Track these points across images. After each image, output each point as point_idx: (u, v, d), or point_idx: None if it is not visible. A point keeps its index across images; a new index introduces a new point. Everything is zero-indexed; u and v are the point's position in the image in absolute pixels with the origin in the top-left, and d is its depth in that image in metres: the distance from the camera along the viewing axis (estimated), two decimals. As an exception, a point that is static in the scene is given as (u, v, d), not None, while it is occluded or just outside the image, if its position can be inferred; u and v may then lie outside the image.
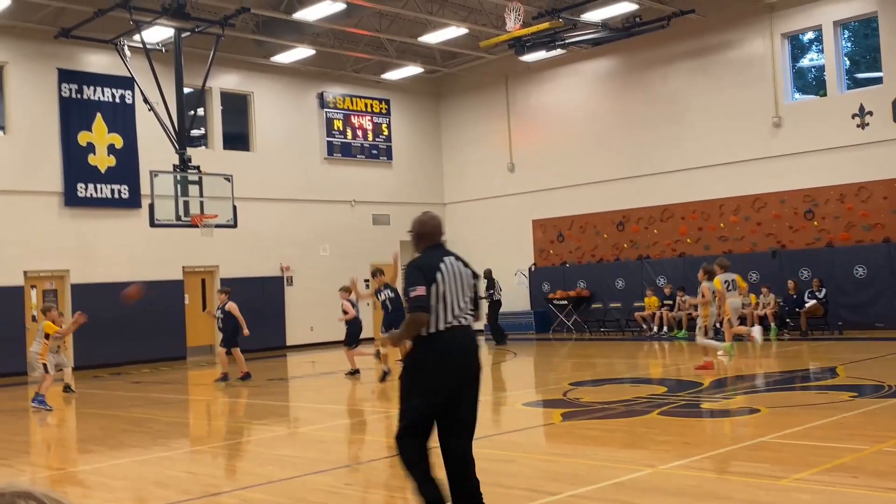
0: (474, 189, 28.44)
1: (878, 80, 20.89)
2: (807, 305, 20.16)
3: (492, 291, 22.63)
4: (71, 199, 21.37)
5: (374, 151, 27.59)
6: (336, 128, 26.68)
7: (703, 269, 15.23)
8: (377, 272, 16.13)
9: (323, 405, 13.72)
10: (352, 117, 27.08)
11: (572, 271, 25.76)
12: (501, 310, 23.73)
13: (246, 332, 16.47)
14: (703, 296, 14.94)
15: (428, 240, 5.89)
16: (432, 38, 23.84)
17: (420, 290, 5.41)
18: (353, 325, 16.39)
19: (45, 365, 13.98)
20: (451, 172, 29.31)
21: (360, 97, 27.30)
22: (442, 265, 5.58)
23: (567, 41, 22.62)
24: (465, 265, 5.77)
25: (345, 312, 16.41)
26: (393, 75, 27.02)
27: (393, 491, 7.11)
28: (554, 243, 26.63)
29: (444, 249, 5.81)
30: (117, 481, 8.26)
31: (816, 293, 20.23)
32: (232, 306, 16.48)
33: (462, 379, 5.54)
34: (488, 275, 22.72)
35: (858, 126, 20.74)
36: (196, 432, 11.71)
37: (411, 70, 26.70)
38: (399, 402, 5.66)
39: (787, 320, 20.49)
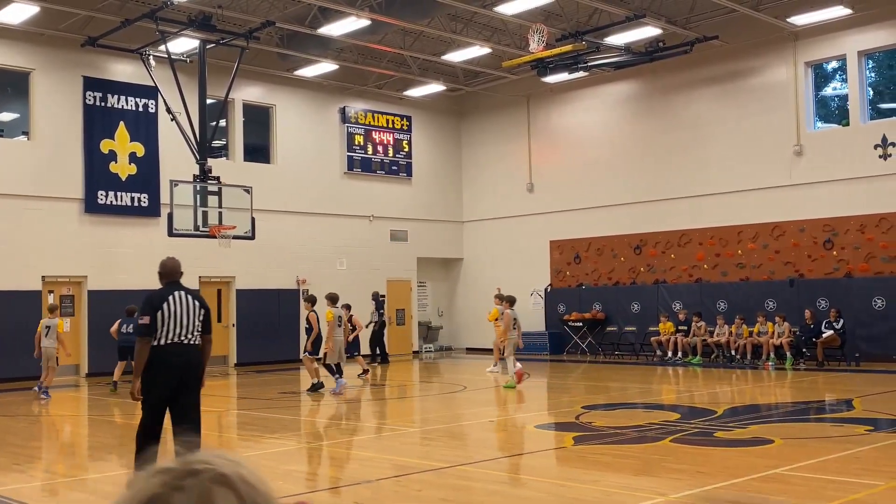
0: (493, 208, 28.45)
1: (902, 112, 20.78)
2: (824, 336, 20.00)
3: (381, 312, 22.71)
4: (91, 205, 21.52)
5: (395, 167, 27.66)
6: (357, 143, 26.78)
7: (506, 299, 17.38)
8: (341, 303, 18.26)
9: (335, 420, 13.71)
10: (373, 133, 27.18)
11: (588, 293, 25.68)
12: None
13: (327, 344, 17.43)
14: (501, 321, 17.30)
15: (167, 277, 7.78)
16: (455, 56, 23.93)
17: (144, 319, 7.43)
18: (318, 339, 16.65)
19: (57, 358, 16.01)
20: (470, 191, 29.34)
21: (382, 113, 27.41)
22: (170, 297, 7.49)
23: (590, 64, 22.64)
24: (196, 298, 7.70)
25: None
26: (415, 92, 27.13)
27: (402, 511, 7.08)
28: (570, 265, 26.57)
29: (179, 285, 7.73)
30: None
31: (834, 323, 20.07)
32: (312, 316, 16.94)
33: (180, 381, 7.43)
34: (376, 297, 22.74)
35: (881, 157, 20.62)
36: (208, 444, 11.71)
37: (433, 88, 26.79)
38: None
39: (804, 350, 20.33)
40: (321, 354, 16.21)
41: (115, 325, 17.88)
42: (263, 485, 1.11)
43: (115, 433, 11.91)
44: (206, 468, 1.08)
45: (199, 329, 7.61)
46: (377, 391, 18.36)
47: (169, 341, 7.41)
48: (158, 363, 7.38)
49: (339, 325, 16.25)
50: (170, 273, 7.80)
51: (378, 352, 23.59)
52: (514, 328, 16.93)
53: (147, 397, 7.45)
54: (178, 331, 7.41)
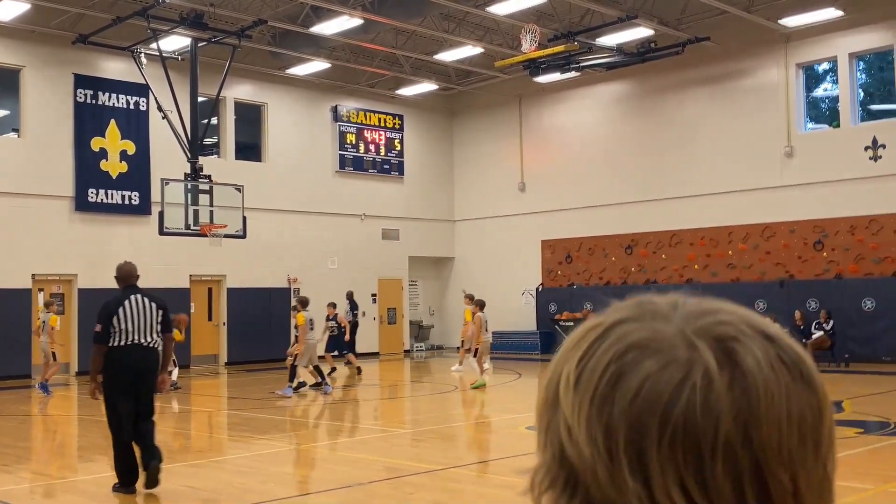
0: (484, 207, 28.47)
1: (893, 113, 20.87)
2: (814, 337, 20.07)
3: (355, 312, 22.19)
4: (82, 204, 21.45)
5: (386, 166, 27.64)
6: (349, 141, 26.75)
7: (476, 302, 17.75)
8: (331, 303, 20.02)
9: (326, 421, 13.69)
10: (365, 131, 27.15)
11: (579, 293, 25.72)
12: (502, 329, 23.70)
13: (347, 337, 20.02)
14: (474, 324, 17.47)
15: (123, 282, 8.10)
16: (448, 56, 23.92)
17: (97, 328, 7.74)
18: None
19: (54, 353, 15.92)
20: (461, 190, 29.34)
21: (374, 112, 27.39)
22: (126, 302, 7.78)
23: (582, 64, 22.67)
24: (153, 300, 8.02)
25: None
26: (407, 91, 27.11)
27: (393, 514, 7.08)
28: (562, 264, 26.60)
29: (135, 288, 8.05)
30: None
31: (824, 325, 20.15)
32: (341, 317, 19.56)
33: (136, 378, 7.75)
34: (350, 297, 22.32)
35: (871, 158, 20.70)
36: (197, 445, 11.69)
37: (426, 87, 26.78)
38: None
39: (794, 351, 20.37)
40: (293, 356, 16.14)
41: None
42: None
43: (105, 433, 11.86)
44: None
45: (159, 330, 7.96)
46: (370, 391, 18.35)
47: (127, 343, 7.73)
48: (118, 365, 7.72)
49: (311, 329, 16.15)
50: (125, 277, 8.10)
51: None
52: (486, 330, 17.48)
53: (109, 398, 7.78)
54: (135, 334, 7.76)
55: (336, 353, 19.78)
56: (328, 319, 19.78)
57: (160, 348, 8.00)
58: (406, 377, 21.74)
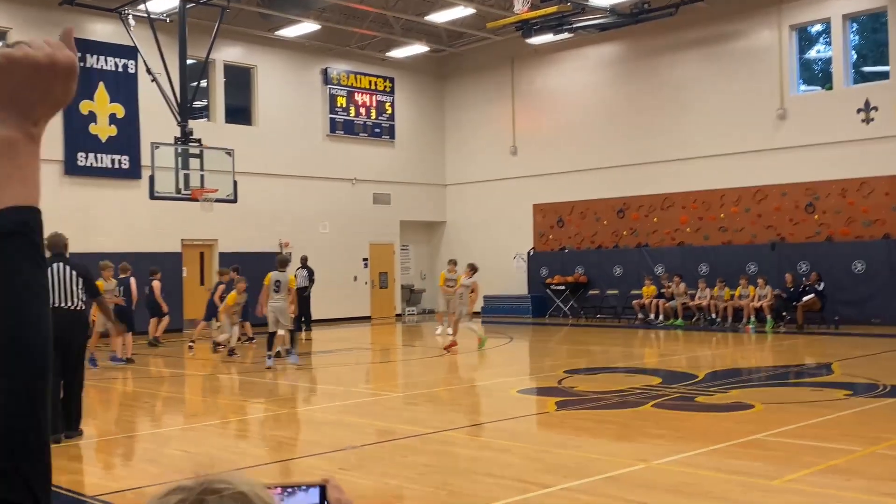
0: (476, 171, 28.38)
1: (885, 75, 20.81)
2: (804, 299, 20.16)
3: (312, 279, 21.68)
4: (71, 168, 21.30)
5: (377, 130, 27.48)
6: (339, 105, 26.56)
7: (471, 266, 17.53)
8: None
9: (319, 385, 13.75)
10: (355, 94, 26.95)
11: (571, 257, 25.75)
12: (494, 293, 23.76)
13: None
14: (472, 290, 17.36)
15: (49, 250, 8.62)
16: (439, 17, 23.69)
17: None
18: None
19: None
20: (453, 153, 29.22)
21: (365, 74, 27.17)
22: (48, 269, 8.49)
23: (574, 25, 22.49)
24: (74, 267, 8.99)
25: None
26: (398, 53, 26.88)
27: (387, 477, 7.12)
28: (553, 228, 26.60)
29: (61, 257, 8.98)
30: (111, 457, 8.28)
31: (815, 287, 20.23)
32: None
33: (61, 340, 8.16)
34: (304, 262, 21.69)
35: (863, 121, 20.66)
36: (191, 409, 11.73)
37: (417, 49, 26.55)
38: None
39: (784, 313, 20.51)
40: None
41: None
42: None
43: (97, 397, 11.89)
44: (226, 486, 1.07)
45: (82, 296, 8.98)
46: (362, 355, 18.40)
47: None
48: None
49: (277, 291, 15.16)
50: (51, 247, 8.85)
51: (304, 319, 21.46)
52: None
53: None
54: (55, 299, 8.63)
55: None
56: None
57: (82, 310, 9.10)
58: (398, 341, 21.80)
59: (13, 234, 1.11)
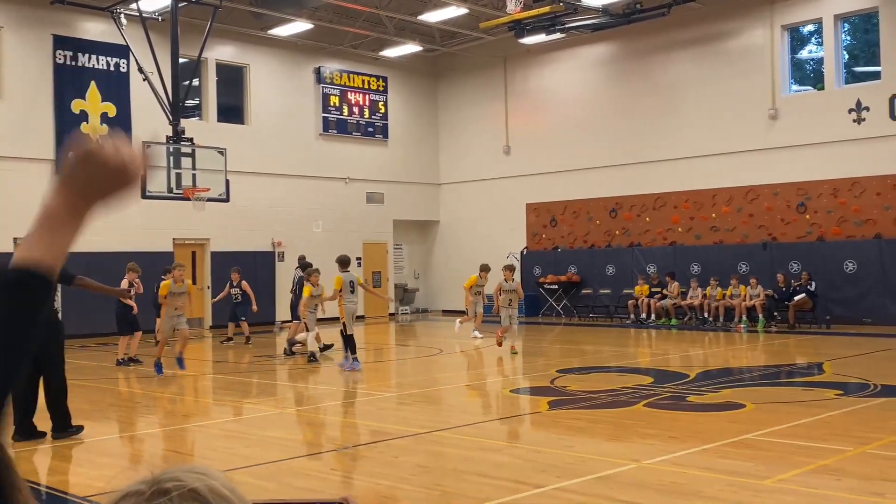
0: (469, 170, 28.39)
1: (877, 76, 20.87)
2: (796, 298, 20.22)
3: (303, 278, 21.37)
4: (63, 166, 21.22)
5: (370, 129, 27.47)
6: (332, 104, 26.54)
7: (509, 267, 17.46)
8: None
9: (311, 385, 13.73)
10: (348, 93, 26.94)
11: (564, 256, 25.78)
12: (487, 292, 23.70)
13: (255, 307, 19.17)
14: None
15: None
16: (432, 16, 23.68)
17: None
18: None
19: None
20: (446, 153, 29.23)
21: (358, 73, 27.15)
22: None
23: (567, 25, 22.50)
24: None
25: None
26: (391, 53, 26.86)
27: (377, 478, 7.13)
28: (546, 227, 26.63)
29: None
30: (103, 458, 8.27)
31: (806, 286, 20.29)
32: (245, 284, 18.72)
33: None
34: (301, 261, 20.99)
35: (855, 121, 20.73)
36: (183, 409, 11.71)
37: (410, 48, 26.54)
38: None
39: (775, 313, 20.57)
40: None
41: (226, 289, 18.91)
42: (235, 494, 1.12)
43: (90, 397, 11.87)
44: (176, 485, 1.08)
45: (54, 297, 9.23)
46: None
47: None
48: None
49: (353, 291, 14.47)
50: None
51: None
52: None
53: None
54: None
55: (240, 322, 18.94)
56: (232, 286, 18.99)
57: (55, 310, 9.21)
58: (391, 340, 21.80)
59: (9, 285, 1.26)
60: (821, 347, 16.78)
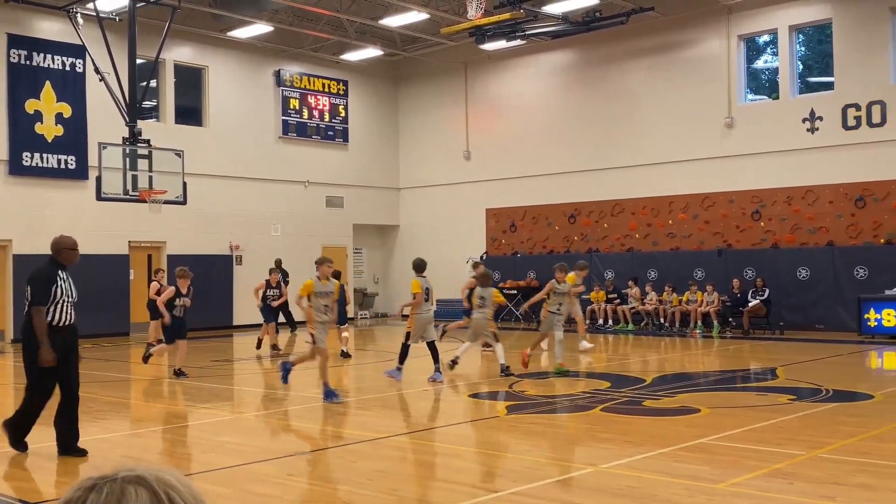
0: (429, 175, 28.41)
1: (830, 86, 21.27)
2: (750, 305, 20.52)
3: (287, 281, 21.08)
4: (16, 167, 20.88)
5: (330, 133, 27.38)
6: (292, 107, 26.41)
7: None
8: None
9: (269, 390, 13.62)
10: (308, 97, 26.83)
11: (523, 261, 25.89)
12: (447, 297, 23.83)
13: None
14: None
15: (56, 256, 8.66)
16: (393, 21, 23.68)
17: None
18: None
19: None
20: (406, 157, 29.22)
21: (318, 77, 27.06)
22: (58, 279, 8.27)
23: (527, 32, 22.64)
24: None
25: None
26: (352, 56, 26.81)
27: (336, 483, 7.10)
28: (506, 233, 26.73)
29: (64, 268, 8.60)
30: (53, 463, 8.13)
31: (760, 293, 20.60)
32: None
33: (63, 358, 8.14)
34: (279, 264, 20.41)
35: (808, 130, 21.11)
36: (137, 414, 11.56)
37: (370, 52, 26.50)
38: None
39: (730, 319, 20.85)
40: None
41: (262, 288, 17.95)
42: (187, 487, 1.13)
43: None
44: (126, 473, 1.13)
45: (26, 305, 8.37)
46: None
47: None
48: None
49: (427, 299, 13.35)
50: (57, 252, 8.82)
51: (287, 320, 20.82)
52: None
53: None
54: (62, 316, 8.22)
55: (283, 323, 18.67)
56: (270, 287, 18.41)
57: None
58: (350, 345, 21.69)
59: None
60: (774, 353, 17.03)
